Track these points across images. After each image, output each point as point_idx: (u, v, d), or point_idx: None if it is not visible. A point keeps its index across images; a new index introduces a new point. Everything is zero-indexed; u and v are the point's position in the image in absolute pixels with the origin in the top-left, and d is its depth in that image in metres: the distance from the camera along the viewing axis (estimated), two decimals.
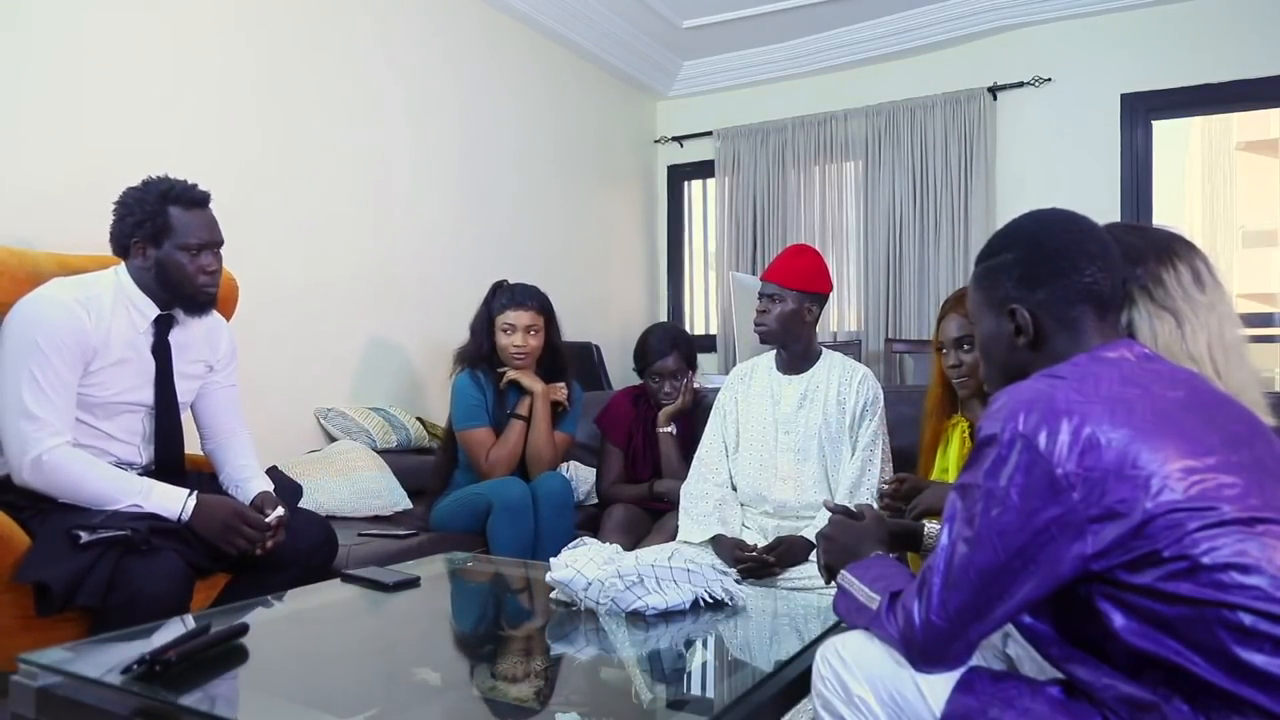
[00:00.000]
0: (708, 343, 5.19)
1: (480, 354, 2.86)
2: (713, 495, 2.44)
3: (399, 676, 1.48)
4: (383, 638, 1.75)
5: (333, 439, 3.21)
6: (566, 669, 1.54)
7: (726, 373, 3.21)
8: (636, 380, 3.13)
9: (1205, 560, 0.95)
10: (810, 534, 2.28)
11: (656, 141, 5.53)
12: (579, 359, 3.79)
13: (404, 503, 2.96)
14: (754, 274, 4.79)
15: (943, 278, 4.59)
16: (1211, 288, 1.26)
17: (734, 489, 2.50)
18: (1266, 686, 0.91)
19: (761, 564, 2.23)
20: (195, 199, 1.99)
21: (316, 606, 1.87)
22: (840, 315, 4.95)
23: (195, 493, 1.92)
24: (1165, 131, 4.43)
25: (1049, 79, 4.45)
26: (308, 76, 3.24)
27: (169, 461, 2.05)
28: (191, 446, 2.18)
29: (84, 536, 1.70)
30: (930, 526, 1.79)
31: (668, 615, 1.67)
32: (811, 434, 2.41)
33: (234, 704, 1.35)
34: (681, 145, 5.48)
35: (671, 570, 1.70)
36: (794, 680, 1.41)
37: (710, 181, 5.46)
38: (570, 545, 1.81)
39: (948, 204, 4.61)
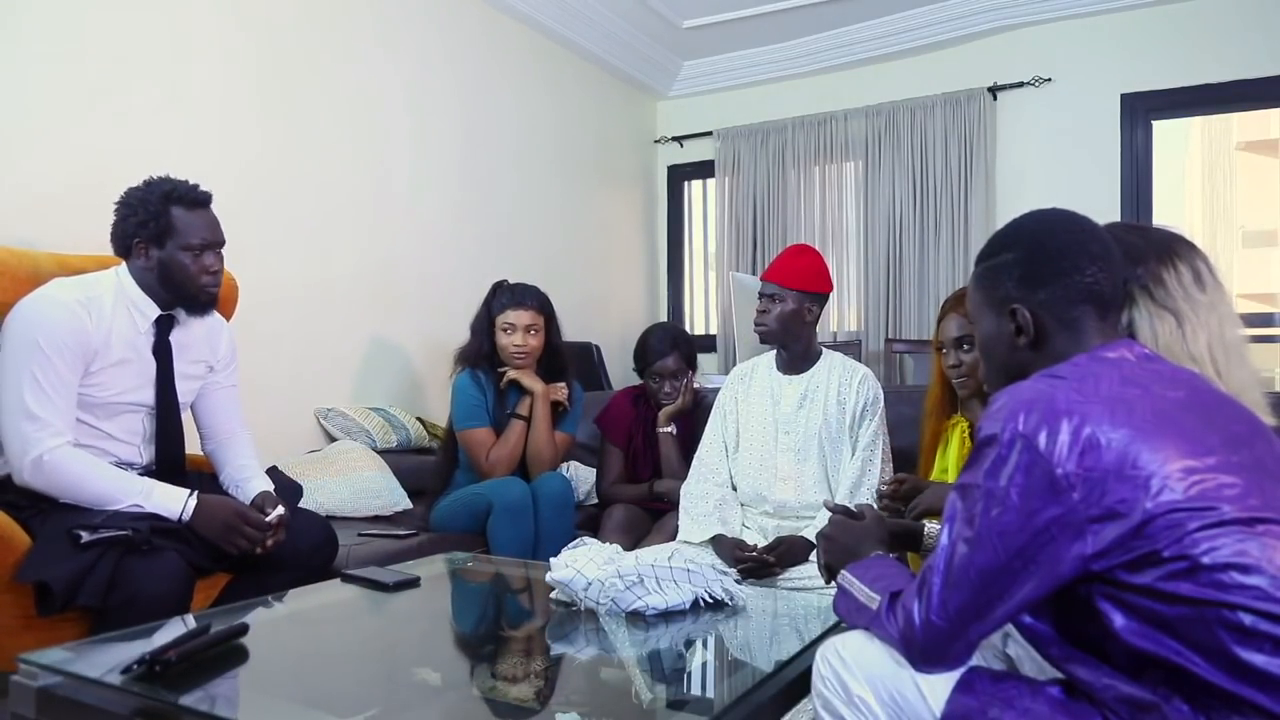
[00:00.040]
0: (708, 343, 5.19)
1: (481, 354, 2.86)
2: (713, 495, 2.44)
3: (399, 676, 1.48)
4: (383, 638, 1.75)
5: (333, 439, 3.21)
6: (566, 669, 1.54)
7: (726, 373, 3.21)
8: (636, 380, 3.13)
9: (1205, 560, 0.95)
10: (810, 534, 2.28)
11: (656, 141, 5.53)
12: (579, 359, 3.79)
13: (404, 503, 2.96)
14: (754, 274, 4.79)
15: (943, 278, 4.59)
16: (1212, 287, 1.26)
17: (734, 489, 2.50)
18: (1266, 686, 0.92)
19: (761, 564, 2.23)
20: (198, 199, 1.99)
21: (317, 606, 1.87)
22: (840, 315, 4.95)
23: (196, 493, 1.92)
24: (1165, 131, 4.43)
25: (1049, 79, 4.45)
26: (308, 77, 3.24)
27: (170, 462, 2.05)
28: (191, 447, 2.18)
29: (85, 536, 1.70)
30: (930, 526, 1.79)
31: (668, 615, 1.67)
32: (811, 434, 2.41)
33: (234, 704, 1.35)
34: (681, 145, 5.48)
35: (671, 570, 1.70)
36: (794, 680, 1.41)
37: (710, 181, 5.46)
38: (570, 545, 1.81)
39: (948, 204, 4.61)
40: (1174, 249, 1.28)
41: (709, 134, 5.31)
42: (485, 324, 2.87)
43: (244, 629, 1.47)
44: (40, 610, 1.70)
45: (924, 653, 1.08)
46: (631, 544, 2.56)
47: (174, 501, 1.88)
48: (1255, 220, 10.04)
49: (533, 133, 4.42)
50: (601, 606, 1.67)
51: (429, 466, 3.08)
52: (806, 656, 1.41)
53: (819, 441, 2.40)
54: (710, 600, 1.72)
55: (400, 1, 3.64)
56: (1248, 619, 0.93)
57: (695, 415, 2.98)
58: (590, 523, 2.97)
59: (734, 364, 3.59)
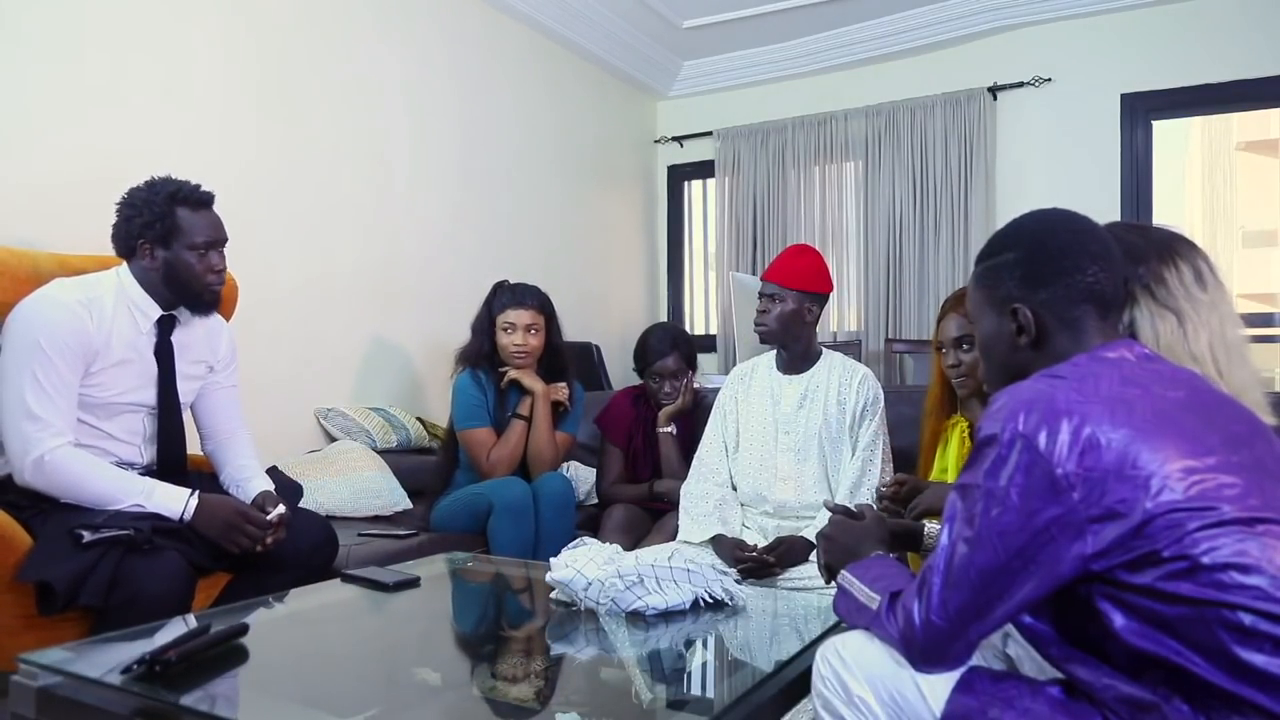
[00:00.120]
0: (708, 343, 5.19)
1: (481, 354, 2.87)
2: (713, 495, 2.44)
3: (399, 676, 1.48)
4: (383, 638, 1.75)
5: (333, 439, 3.21)
6: (566, 669, 1.54)
7: (726, 373, 3.21)
8: (636, 380, 3.13)
9: (1205, 560, 0.95)
10: (810, 534, 2.28)
11: (656, 141, 5.53)
12: (579, 359, 3.79)
13: (404, 503, 2.96)
14: (754, 274, 4.79)
15: (943, 278, 4.59)
16: (1213, 287, 1.26)
17: (734, 489, 2.50)
18: (1266, 686, 0.92)
19: (761, 564, 2.23)
20: (202, 199, 2.00)
21: (317, 606, 1.87)
22: (840, 315, 4.95)
23: (197, 492, 1.92)
24: (1165, 131, 4.43)
25: (1049, 79, 4.45)
26: (308, 76, 3.24)
27: (171, 462, 2.06)
28: (191, 447, 2.18)
29: (86, 536, 1.70)
30: (930, 526, 1.79)
31: (668, 615, 1.67)
32: (811, 434, 2.41)
33: (234, 704, 1.35)
34: (681, 145, 5.48)
35: (671, 570, 1.70)
36: (794, 680, 1.41)
37: (710, 181, 5.46)
38: (570, 545, 1.81)
39: (948, 204, 4.61)
40: (1175, 248, 1.28)
41: (709, 134, 5.31)
42: (486, 324, 2.87)
43: (244, 629, 1.47)
44: (42, 610, 1.70)
45: (924, 653, 1.08)
46: (631, 544, 2.56)
47: (175, 501, 1.88)
48: (1255, 220, 10.03)
49: (533, 132, 4.42)
50: (601, 606, 1.67)
51: (429, 466, 3.08)
52: (806, 656, 1.41)
53: (819, 441, 2.40)
54: (710, 600, 1.72)
55: (400, 1, 3.64)
56: (1248, 619, 0.93)
57: (695, 415, 2.98)
58: (590, 523, 2.97)
59: (734, 364, 3.59)
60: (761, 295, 2.44)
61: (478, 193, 4.06)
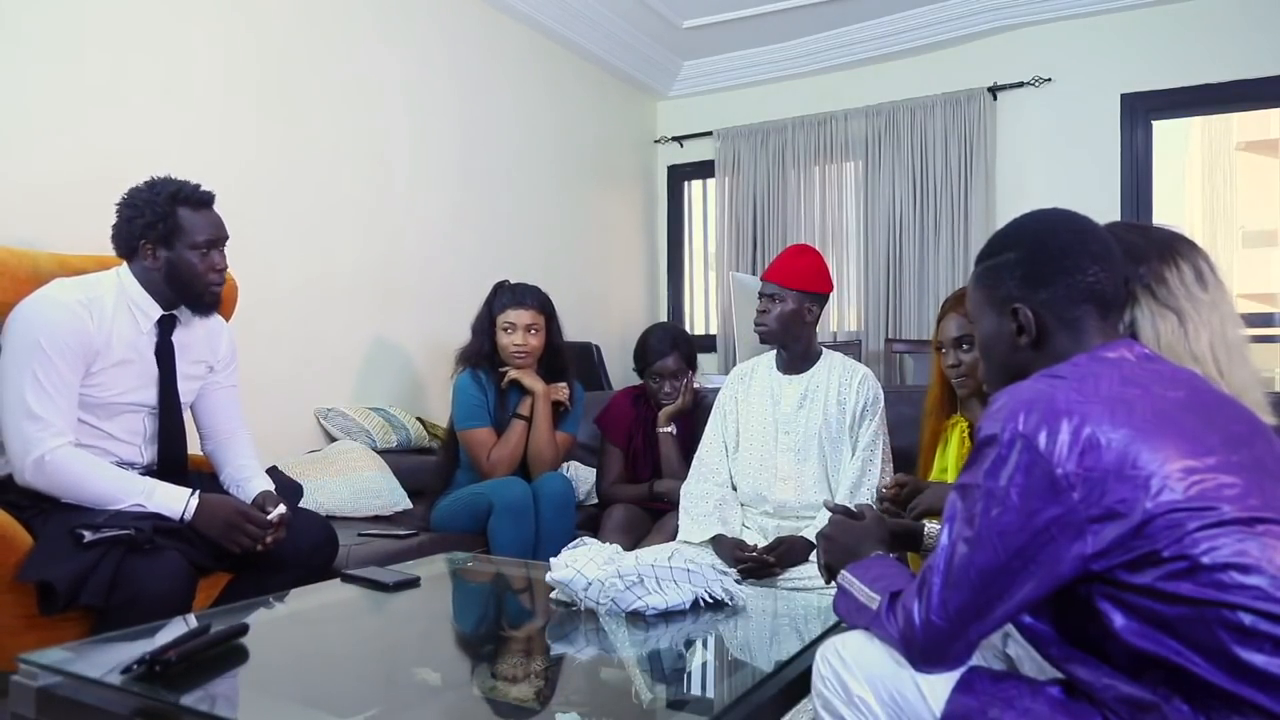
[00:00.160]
0: (708, 343, 5.19)
1: (481, 354, 2.87)
2: (713, 495, 2.44)
3: (399, 676, 1.48)
4: (383, 638, 1.75)
5: (333, 439, 3.21)
6: (566, 669, 1.54)
7: (726, 373, 3.21)
8: (636, 380, 3.13)
9: (1205, 560, 0.95)
10: (810, 534, 2.28)
11: (656, 141, 5.53)
12: (579, 359, 3.79)
13: (404, 503, 2.96)
14: (754, 274, 4.79)
15: (943, 278, 4.59)
16: (1214, 286, 1.26)
17: (734, 489, 2.50)
18: (1266, 686, 0.92)
19: (761, 564, 2.23)
20: (203, 199, 2.00)
21: (317, 606, 1.87)
22: (840, 315, 4.95)
23: (197, 492, 1.92)
24: (1165, 131, 4.43)
25: (1049, 79, 4.45)
26: (308, 76, 3.24)
27: (171, 462, 2.06)
28: (191, 447, 2.18)
29: (87, 536, 1.70)
30: (930, 526, 1.79)
31: (668, 615, 1.67)
32: (811, 434, 2.41)
33: (234, 704, 1.35)
34: (681, 145, 5.48)
35: (671, 570, 1.70)
36: (794, 680, 1.41)
37: (710, 181, 5.46)
38: (570, 545, 1.81)
39: (948, 204, 4.61)
40: (1175, 248, 1.28)
41: (709, 134, 5.31)
42: (486, 324, 2.87)
43: (244, 629, 1.47)
44: (43, 610, 1.70)
45: (924, 653, 1.08)
46: (631, 544, 2.56)
47: (176, 501, 1.88)
48: (1255, 220, 10.03)
49: (532, 132, 4.42)
50: (601, 606, 1.67)
51: (429, 466, 3.08)
52: (806, 656, 1.41)
53: (819, 441, 2.40)
54: (710, 600, 1.72)
55: (400, 1, 3.64)
56: (1248, 619, 0.93)
57: (695, 415, 2.98)
58: (590, 523, 2.97)
59: (734, 364, 3.59)
60: (761, 295, 2.44)
61: (478, 193, 4.06)
